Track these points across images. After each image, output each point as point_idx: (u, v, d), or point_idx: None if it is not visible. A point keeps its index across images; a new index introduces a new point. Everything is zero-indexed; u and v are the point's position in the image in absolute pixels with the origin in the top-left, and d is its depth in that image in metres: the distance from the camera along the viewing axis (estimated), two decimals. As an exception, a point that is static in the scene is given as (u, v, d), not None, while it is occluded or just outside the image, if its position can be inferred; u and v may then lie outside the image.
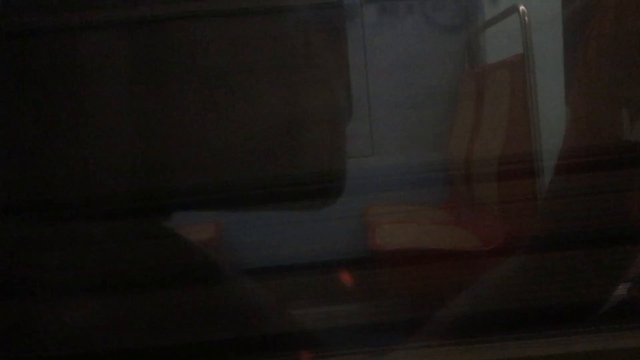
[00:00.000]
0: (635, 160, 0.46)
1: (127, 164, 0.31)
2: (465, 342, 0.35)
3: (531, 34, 1.76)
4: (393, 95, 2.54)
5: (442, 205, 2.49)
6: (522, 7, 1.78)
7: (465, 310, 0.53)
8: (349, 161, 0.36)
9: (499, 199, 1.86)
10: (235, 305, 0.34)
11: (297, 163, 0.33)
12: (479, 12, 2.37)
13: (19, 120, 0.31)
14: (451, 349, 0.35)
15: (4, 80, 0.31)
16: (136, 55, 0.30)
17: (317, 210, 0.36)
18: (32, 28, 0.30)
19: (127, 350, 0.29)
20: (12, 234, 0.31)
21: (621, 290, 0.51)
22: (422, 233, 2.09)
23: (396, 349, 0.38)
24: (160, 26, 0.30)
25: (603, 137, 0.48)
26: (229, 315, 0.33)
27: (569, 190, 0.52)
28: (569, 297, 0.50)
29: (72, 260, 0.31)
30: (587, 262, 0.51)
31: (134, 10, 0.30)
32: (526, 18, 1.76)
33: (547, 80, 1.93)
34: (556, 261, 0.52)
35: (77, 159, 0.31)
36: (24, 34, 0.30)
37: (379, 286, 1.95)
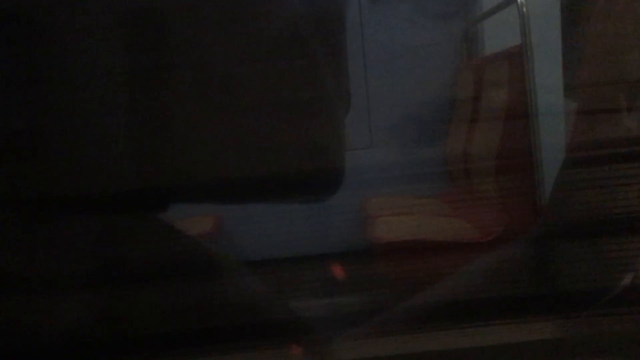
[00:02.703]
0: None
1: None
2: (455, 327, 0.35)
3: (530, 25, 1.75)
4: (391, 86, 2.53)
5: (441, 197, 2.49)
6: (520, -2, 1.78)
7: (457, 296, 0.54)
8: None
9: (498, 191, 1.86)
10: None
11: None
12: (477, 3, 2.36)
13: None
14: (439, 333, 0.35)
15: None
16: None
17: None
18: None
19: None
20: None
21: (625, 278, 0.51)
22: (421, 225, 2.09)
23: (387, 335, 0.38)
24: None
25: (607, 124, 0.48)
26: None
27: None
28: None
29: None
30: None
31: None
32: (524, 9, 1.76)
33: (545, 71, 1.92)
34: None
35: None
36: None
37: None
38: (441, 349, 0.32)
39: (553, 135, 1.85)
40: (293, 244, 2.46)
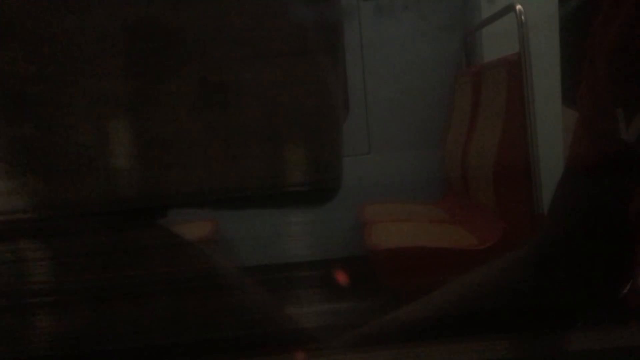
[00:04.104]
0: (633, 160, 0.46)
1: None
2: (460, 340, 0.35)
3: (528, 33, 1.76)
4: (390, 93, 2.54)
5: (439, 204, 2.50)
6: (518, 6, 1.78)
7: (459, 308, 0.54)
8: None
9: (495, 198, 1.87)
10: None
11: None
12: (475, 11, 2.37)
13: None
14: (444, 347, 0.35)
15: None
16: None
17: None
18: None
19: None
20: None
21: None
22: (418, 231, 2.09)
23: (391, 347, 0.38)
24: None
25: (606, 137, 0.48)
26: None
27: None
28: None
29: None
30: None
31: None
32: (523, 17, 1.77)
33: (542, 80, 1.93)
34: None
35: None
36: None
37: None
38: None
39: (552, 143, 1.86)
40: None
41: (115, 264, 0.31)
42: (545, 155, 1.77)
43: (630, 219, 0.46)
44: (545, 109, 1.92)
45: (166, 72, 0.30)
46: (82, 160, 0.30)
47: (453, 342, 0.34)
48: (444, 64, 2.55)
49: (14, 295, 0.30)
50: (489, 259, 0.56)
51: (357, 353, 0.38)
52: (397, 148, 2.55)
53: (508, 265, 0.56)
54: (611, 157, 0.48)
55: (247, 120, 0.32)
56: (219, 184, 0.32)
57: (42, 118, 0.29)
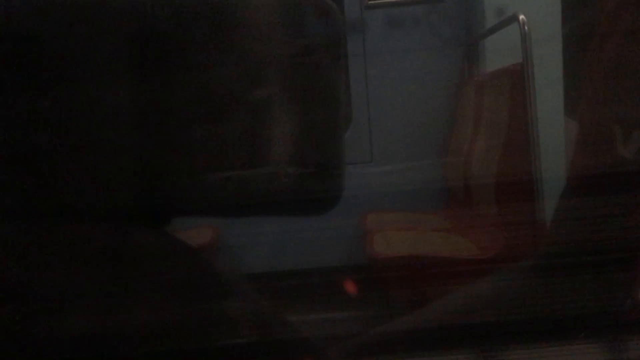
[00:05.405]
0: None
1: None
2: (462, 350, 0.35)
3: (531, 43, 1.76)
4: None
5: (441, 213, 2.49)
6: (522, 17, 1.78)
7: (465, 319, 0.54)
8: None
9: (497, 208, 1.86)
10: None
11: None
12: (480, 22, 2.37)
13: None
14: (446, 357, 0.35)
15: None
16: None
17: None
18: None
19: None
20: None
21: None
22: (420, 240, 2.09)
23: (392, 357, 0.38)
24: None
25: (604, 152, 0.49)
26: None
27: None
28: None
29: None
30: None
31: None
32: (526, 27, 1.77)
33: (546, 90, 1.93)
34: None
35: None
36: None
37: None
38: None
39: (554, 153, 1.86)
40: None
41: None
42: (547, 165, 1.77)
43: (629, 232, 0.46)
44: (547, 119, 1.92)
45: None
46: None
47: (455, 352, 0.34)
48: (447, 74, 2.55)
49: None
50: (491, 269, 0.56)
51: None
52: (399, 157, 2.55)
53: (510, 276, 0.56)
54: (610, 172, 0.48)
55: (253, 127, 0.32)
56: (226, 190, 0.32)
57: None
